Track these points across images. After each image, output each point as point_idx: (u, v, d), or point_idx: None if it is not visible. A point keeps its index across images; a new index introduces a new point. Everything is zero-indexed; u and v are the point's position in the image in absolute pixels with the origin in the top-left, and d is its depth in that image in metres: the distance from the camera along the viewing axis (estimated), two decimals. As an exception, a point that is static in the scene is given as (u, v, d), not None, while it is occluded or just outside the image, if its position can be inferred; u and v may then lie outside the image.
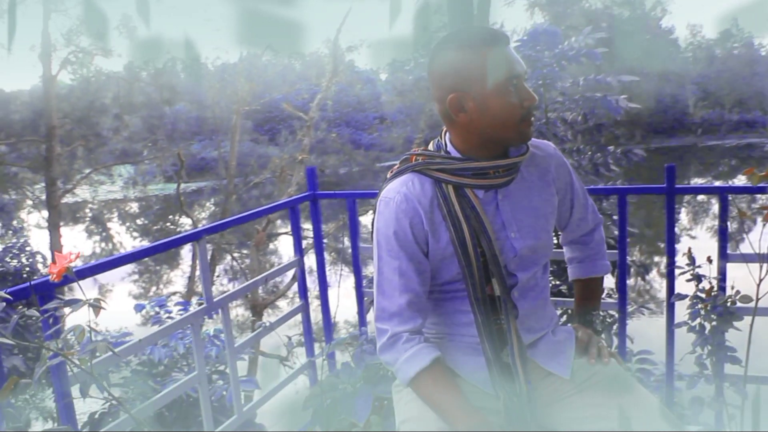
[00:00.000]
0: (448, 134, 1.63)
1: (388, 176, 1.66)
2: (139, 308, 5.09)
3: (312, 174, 3.10)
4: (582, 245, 1.87)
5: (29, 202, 19.27)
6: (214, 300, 2.50)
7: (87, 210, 24.79)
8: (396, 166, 1.66)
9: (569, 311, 5.09)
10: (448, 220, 1.56)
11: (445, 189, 1.57)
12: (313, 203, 3.05)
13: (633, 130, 28.49)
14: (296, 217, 3.00)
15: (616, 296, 2.79)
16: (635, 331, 5.14)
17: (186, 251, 17.64)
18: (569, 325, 1.82)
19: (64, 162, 16.72)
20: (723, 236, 2.54)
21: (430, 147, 1.65)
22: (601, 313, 5.50)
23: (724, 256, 2.54)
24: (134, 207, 26.81)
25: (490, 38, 1.50)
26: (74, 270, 1.56)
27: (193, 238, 2.43)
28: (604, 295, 4.94)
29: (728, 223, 2.56)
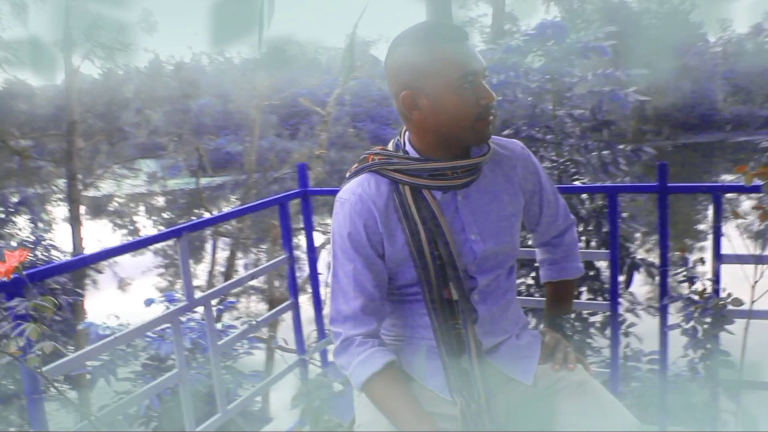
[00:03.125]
0: (407, 133, 1.59)
1: (347, 176, 1.62)
2: (148, 303, 5.12)
3: (303, 170, 3.08)
4: (553, 247, 1.81)
5: (59, 196, 19.49)
6: (196, 298, 2.48)
7: (113, 204, 25.03)
8: (354, 166, 1.62)
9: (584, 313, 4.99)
10: (404, 222, 1.52)
11: (402, 190, 1.53)
12: (304, 200, 3.03)
13: (660, 126, 28.03)
14: (286, 213, 2.97)
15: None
16: (645, 331, 5.06)
17: (211, 245, 17.73)
18: (539, 328, 1.77)
19: (85, 156, 16.90)
20: (717, 236, 2.46)
21: (390, 146, 1.61)
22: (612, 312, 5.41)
23: (718, 257, 2.46)
24: (160, 201, 26.99)
25: (446, 34, 1.45)
26: (50, 266, 1.54)
27: (174, 234, 2.41)
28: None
29: (722, 223, 2.48)
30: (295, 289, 3.05)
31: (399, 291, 1.59)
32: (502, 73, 4.58)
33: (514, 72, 4.59)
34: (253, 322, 2.89)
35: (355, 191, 1.54)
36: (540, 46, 4.68)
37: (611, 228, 2.60)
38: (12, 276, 1.52)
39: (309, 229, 3.11)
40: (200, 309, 2.85)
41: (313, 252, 3.14)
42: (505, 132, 5.11)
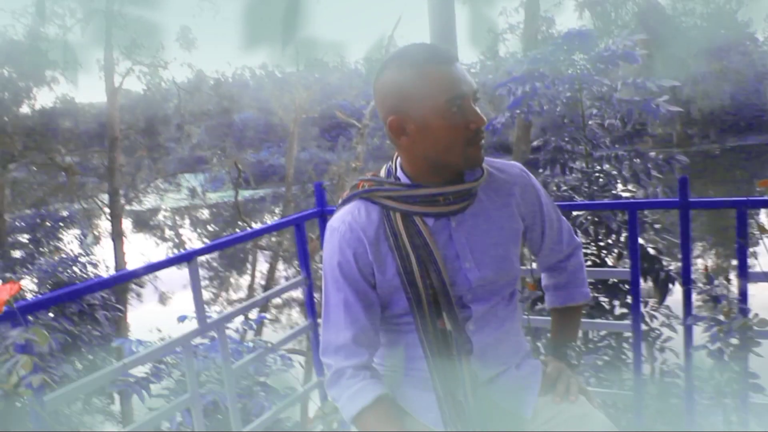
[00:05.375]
0: (398, 159, 1.55)
1: (339, 203, 1.59)
2: (181, 319, 5.14)
3: (319, 190, 3.05)
4: (558, 272, 1.75)
5: (106, 210, 19.93)
6: (208, 321, 2.48)
7: (157, 218, 25.45)
8: (346, 192, 1.59)
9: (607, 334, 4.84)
10: (395, 250, 1.48)
11: (393, 217, 1.49)
12: (322, 219, 2.99)
13: (707, 129, 27.40)
14: (302, 234, 2.94)
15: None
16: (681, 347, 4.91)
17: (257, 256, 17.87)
18: (541, 357, 1.70)
19: (128, 172, 17.27)
20: (742, 253, 2.35)
21: (382, 172, 1.57)
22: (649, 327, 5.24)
23: (743, 275, 2.35)
24: (205, 213, 27.36)
25: (432, 57, 1.41)
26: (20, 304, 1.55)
27: (186, 258, 2.41)
28: (646, 308, 4.69)
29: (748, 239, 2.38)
30: (313, 311, 3.02)
31: (392, 321, 1.55)
32: (528, 83, 4.51)
33: (540, 82, 4.51)
34: (269, 345, 2.88)
35: (345, 219, 1.51)
36: (567, 55, 4.59)
37: (631, 245, 2.51)
38: (4, 309, 1.53)
39: (327, 249, 3.08)
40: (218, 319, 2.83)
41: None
42: (534, 143, 5.03)
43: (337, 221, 1.52)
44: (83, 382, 1.96)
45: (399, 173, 1.53)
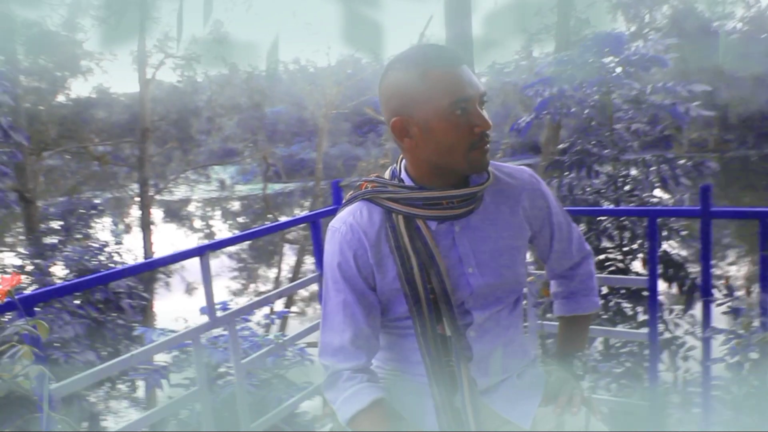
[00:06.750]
0: (403, 161, 1.53)
1: (342, 203, 1.57)
2: (203, 311, 5.17)
3: (336, 188, 3.04)
4: (567, 280, 1.70)
5: (137, 200, 20.19)
6: (218, 316, 2.48)
7: (188, 208, 25.71)
8: (350, 193, 1.56)
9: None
10: (395, 253, 1.45)
11: (395, 219, 1.47)
12: (338, 217, 2.98)
13: (745, 135, 26.86)
14: (318, 231, 2.94)
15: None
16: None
17: (284, 249, 17.91)
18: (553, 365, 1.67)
19: (161, 162, 17.46)
20: (765, 265, 2.29)
21: (386, 174, 1.55)
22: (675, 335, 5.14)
23: (765, 288, 2.29)
24: (236, 205, 27.57)
25: (438, 58, 1.38)
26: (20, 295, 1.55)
27: (198, 253, 2.41)
28: (671, 315, 4.60)
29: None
30: (326, 308, 3.00)
31: (392, 324, 1.53)
32: (556, 85, 4.45)
33: (568, 84, 4.45)
34: (280, 341, 2.88)
35: (347, 220, 1.49)
36: (597, 58, 4.52)
37: (650, 253, 2.46)
38: (5, 300, 1.54)
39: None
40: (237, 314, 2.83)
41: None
42: (560, 146, 4.97)
43: (339, 222, 1.50)
44: (91, 372, 1.97)
45: (403, 175, 1.50)
